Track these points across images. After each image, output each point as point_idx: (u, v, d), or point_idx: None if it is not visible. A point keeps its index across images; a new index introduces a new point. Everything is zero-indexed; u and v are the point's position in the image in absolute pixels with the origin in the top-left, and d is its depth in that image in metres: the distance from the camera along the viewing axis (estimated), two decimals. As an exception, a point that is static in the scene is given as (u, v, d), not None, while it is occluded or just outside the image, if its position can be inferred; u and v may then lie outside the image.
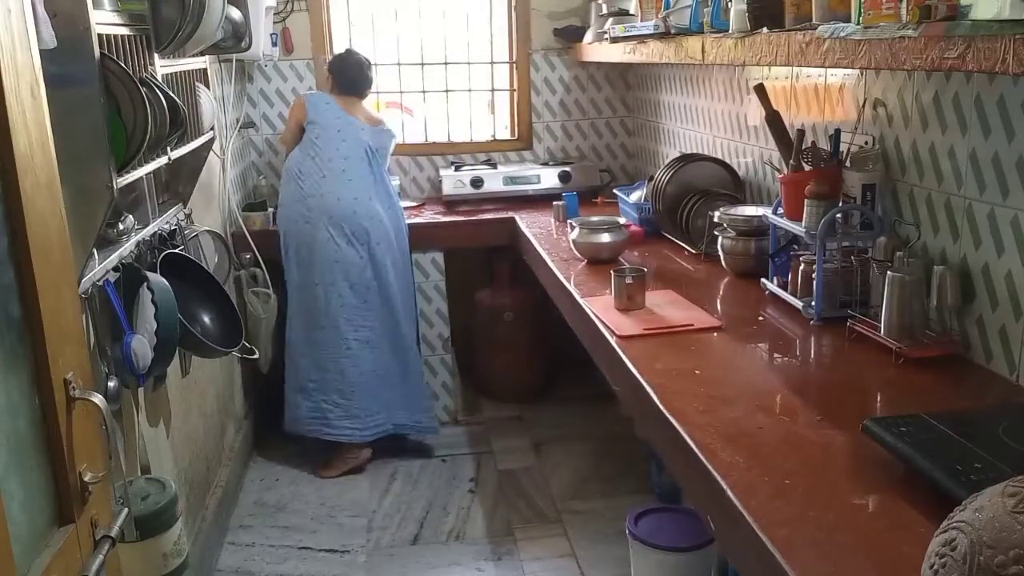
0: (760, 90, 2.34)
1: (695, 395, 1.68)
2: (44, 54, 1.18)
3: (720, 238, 2.50)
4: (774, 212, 2.26)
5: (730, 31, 2.04)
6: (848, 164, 2.09)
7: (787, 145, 2.26)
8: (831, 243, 2.03)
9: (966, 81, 1.75)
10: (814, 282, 2.03)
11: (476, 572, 2.75)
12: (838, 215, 2.01)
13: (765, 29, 1.86)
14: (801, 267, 2.11)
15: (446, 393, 3.75)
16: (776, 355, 1.94)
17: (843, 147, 2.12)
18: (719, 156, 3.00)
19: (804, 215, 2.06)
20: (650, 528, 2.40)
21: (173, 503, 1.88)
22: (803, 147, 2.18)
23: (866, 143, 2.10)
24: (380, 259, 3.34)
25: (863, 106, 2.11)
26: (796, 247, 2.22)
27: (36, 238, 1.05)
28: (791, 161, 2.18)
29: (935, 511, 1.14)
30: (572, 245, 2.78)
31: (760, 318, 2.13)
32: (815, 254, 2.02)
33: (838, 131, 2.13)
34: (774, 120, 2.30)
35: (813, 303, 2.03)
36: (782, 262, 2.25)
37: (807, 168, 2.14)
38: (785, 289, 2.18)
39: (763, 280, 2.29)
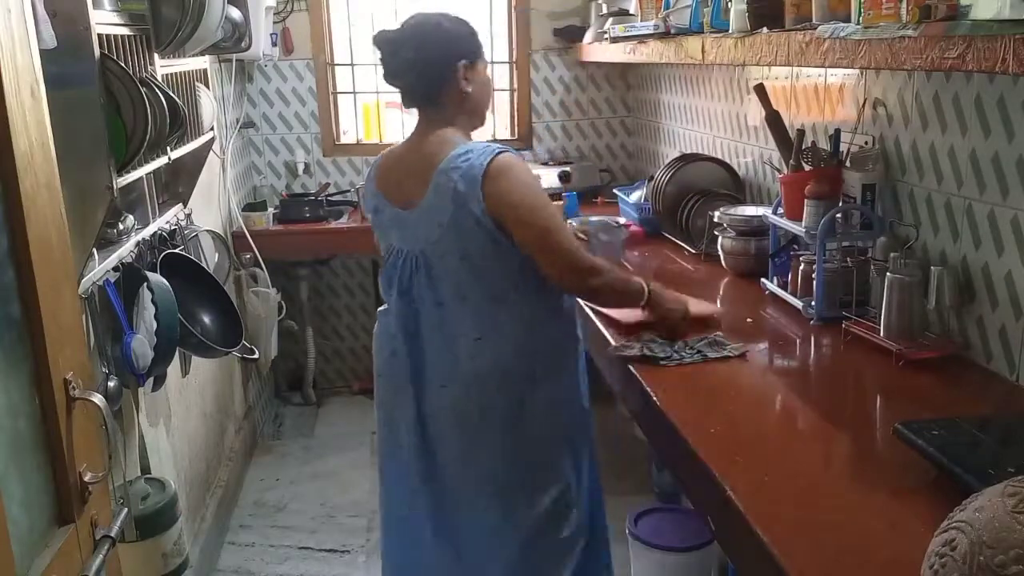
0: (760, 90, 2.34)
1: (695, 394, 1.69)
2: (44, 54, 1.18)
3: (720, 238, 2.50)
4: (774, 212, 2.26)
5: (730, 31, 2.04)
6: (848, 164, 2.09)
7: (787, 145, 2.26)
8: (831, 243, 2.03)
9: (966, 81, 1.75)
10: (814, 282, 2.03)
11: (476, 572, 2.75)
12: (838, 215, 2.01)
13: (765, 29, 1.86)
14: (801, 267, 2.11)
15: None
16: (776, 355, 1.94)
17: (843, 147, 2.12)
18: (719, 156, 3.00)
19: (804, 215, 2.06)
20: (650, 528, 2.40)
21: (173, 503, 1.89)
22: (803, 147, 2.18)
23: (866, 143, 2.10)
24: None
25: (863, 106, 2.11)
26: (796, 247, 2.22)
27: (36, 238, 1.05)
28: (791, 161, 2.18)
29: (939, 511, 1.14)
30: (572, 245, 2.78)
31: (760, 318, 2.13)
32: (815, 254, 2.02)
33: (838, 131, 2.13)
34: (774, 120, 2.30)
35: (813, 303, 2.03)
36: (782, 262, 2.25)
37: (807, 168, 2.14)
38: (785, 289, 2.18)
39: (763, 280, 2.29)
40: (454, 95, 1.80)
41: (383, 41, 1.82)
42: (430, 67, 1.78)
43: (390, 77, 1.83)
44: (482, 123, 1.91)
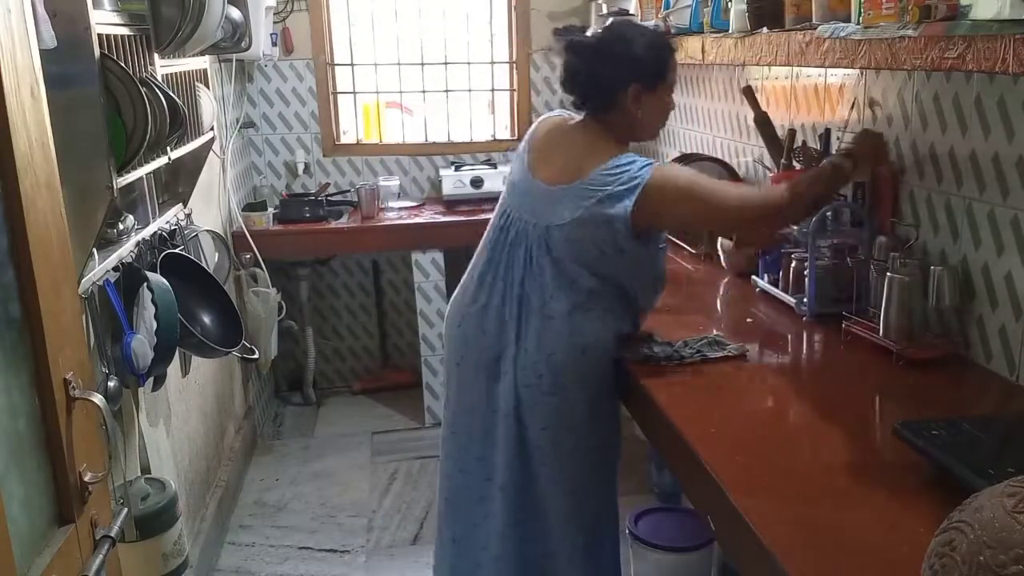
0: (748, 92, 2.33)
1: (695, 394, 1.69)
2: (44, 54, 1.18)
3: (720, 238, 2.50)
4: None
5: (730, 31, 2.04)
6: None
7: (776, 145, 2.27)
8: (823, 240, 2.03)
9: (966, 81, 1.75)
10: (806, 279, 2.04)
11: (476, 572, 2.74)
12: (828, 213, 2.02)
13: (765, 29, 1.86)
14: (792, 264, 2.12)
15: (446, 393, 3.74)
16: (776, 355, 1.93)
17: (834, 146, 2.12)
18: (719, 156, 3.00)
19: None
20: (650, 528, 2.40)
21: (173, 503, 1.88)
22: (794, 146, 2.18)
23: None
24: None
25: (863, 106, 2.11)
26: (787, 244, 2.23)
27: (36, 238, 1.05)
28: (782, 160, 2.20)
29: (939, 511, 1.14)
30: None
31: (758, 318, 2.13)
32: (806, 251, 2.02)
33: (828, 130, 2.15)
34: (763, 121, 2.30)
35: (805, 300, 2.03)
36: (772, 259, 2.26)
37: (798, 167, 2.15)
38: (776, 286, 2.19)
39: (753, 277, 2.30)
40: (623, 114, 1.85)
41: (569, 51, 1.86)
42: (601, 90, 1.84)
43: (565, 88, 1.91)
44: (650, 138, 1.99)
